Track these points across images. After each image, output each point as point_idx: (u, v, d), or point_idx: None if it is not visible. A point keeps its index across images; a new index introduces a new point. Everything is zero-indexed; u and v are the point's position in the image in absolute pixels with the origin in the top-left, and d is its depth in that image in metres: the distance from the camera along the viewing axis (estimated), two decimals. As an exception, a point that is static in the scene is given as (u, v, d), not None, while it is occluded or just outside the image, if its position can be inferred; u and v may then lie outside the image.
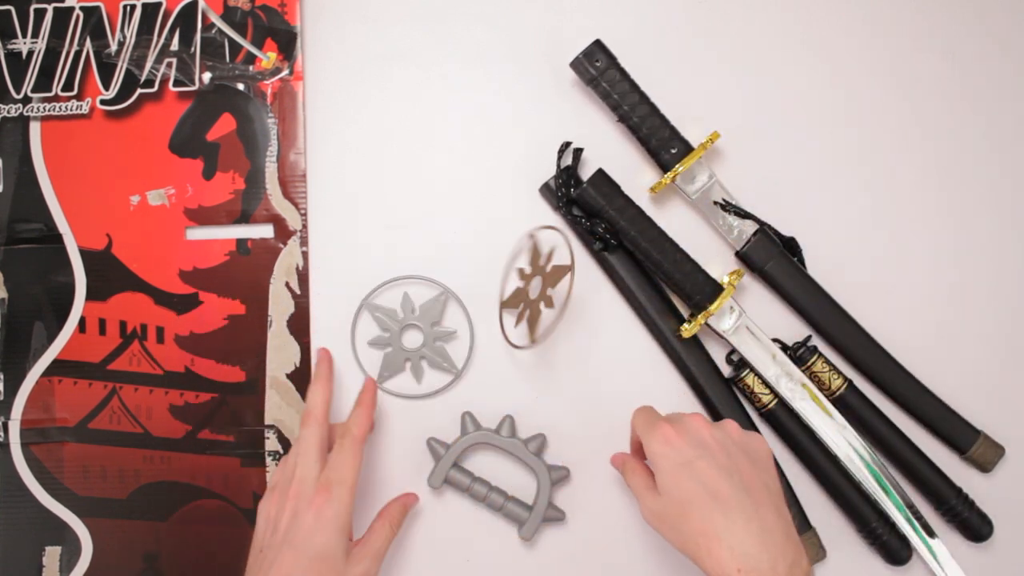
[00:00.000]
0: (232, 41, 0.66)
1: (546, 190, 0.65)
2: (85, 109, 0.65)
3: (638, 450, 0.58)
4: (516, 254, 0.60)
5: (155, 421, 0.64)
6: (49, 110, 0.65)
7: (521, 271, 0.63)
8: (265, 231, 0.65)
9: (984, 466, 0.64)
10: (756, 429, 0.63)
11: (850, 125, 0.67)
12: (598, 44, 0.63)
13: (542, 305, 0.61)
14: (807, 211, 0.66)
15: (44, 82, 0.65)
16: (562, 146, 0.64)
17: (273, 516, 0.54)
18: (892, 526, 0.63)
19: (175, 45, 0.66)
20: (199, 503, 0.64)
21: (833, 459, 0.63)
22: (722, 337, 0.63)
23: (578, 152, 0.65)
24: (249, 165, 0.65)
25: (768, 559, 0.47)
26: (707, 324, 0.63)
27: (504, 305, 0.58)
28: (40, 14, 0.66)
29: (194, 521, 0.64)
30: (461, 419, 0.63)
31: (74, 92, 0.65)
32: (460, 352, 0.65)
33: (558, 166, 0.64)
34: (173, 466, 0.64)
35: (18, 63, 0.65)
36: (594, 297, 0.65)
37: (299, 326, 0.65)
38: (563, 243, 0.59)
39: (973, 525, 0.63)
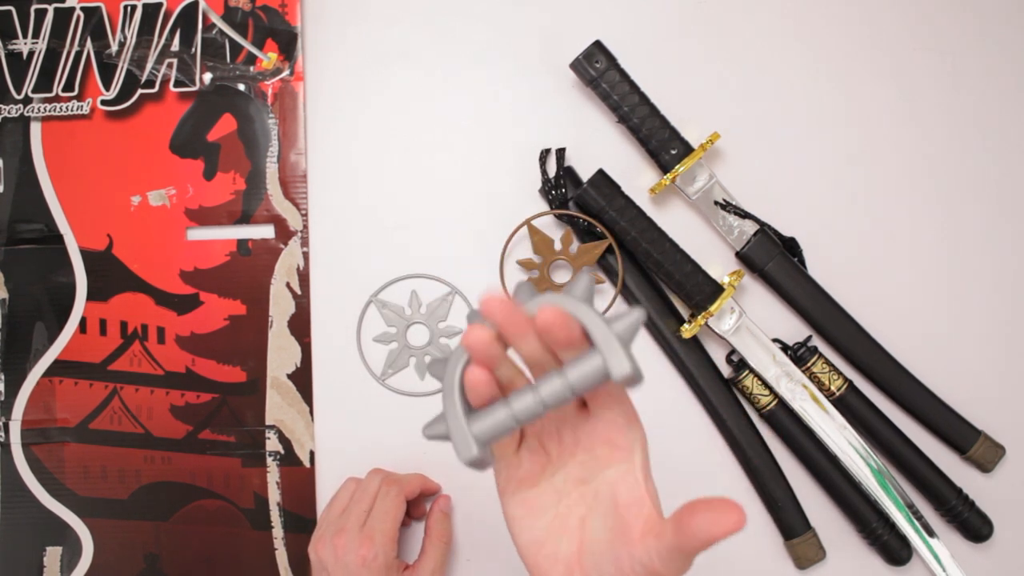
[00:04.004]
0: (233, 42, 0.66)
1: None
2: (86, 109, 0.65)
3: None
4: (506, 251, 0.60)
5: (156, 421, 0.64)
6: (50, 110, 0.65)
7: (529, 261, 0.63)
8: (266, 231, 0.65)
9: (984, 466, 0.64)
10: (756, 430, 0.63)
11: (850, 125, 0.67)
12: (598, 45, 0.63)
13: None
14: (807, 211, 0.66)
15: (45, 82, 0.65)
16: (542, 154, 0.65)
17: (325, 561, 0.56)
18: (892, 526, 0.63)
19: (176, 46, 0.66)
20: (200, 503, 0.64)
21: (833, 459, 0.63)
22: (722, 338, 0.63)
23: (561, 152, 0.65)
24: (250, 165, 0.65)
25: None
26: (707, 325, 0.63)
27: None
28: (41, 14, 0.66)
29: (195, 521, 0.64)
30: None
31: (75, 92, 0.65)
32: (462, 352, 0.65)
33: (543, 173, 0.64)
34: (174, 466, 0.64)
35: (19, 63, 0.65)
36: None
37: (300, 326, 0.65)
38: (563, 226, 0.60)
39: (973, 525, 0.63)
